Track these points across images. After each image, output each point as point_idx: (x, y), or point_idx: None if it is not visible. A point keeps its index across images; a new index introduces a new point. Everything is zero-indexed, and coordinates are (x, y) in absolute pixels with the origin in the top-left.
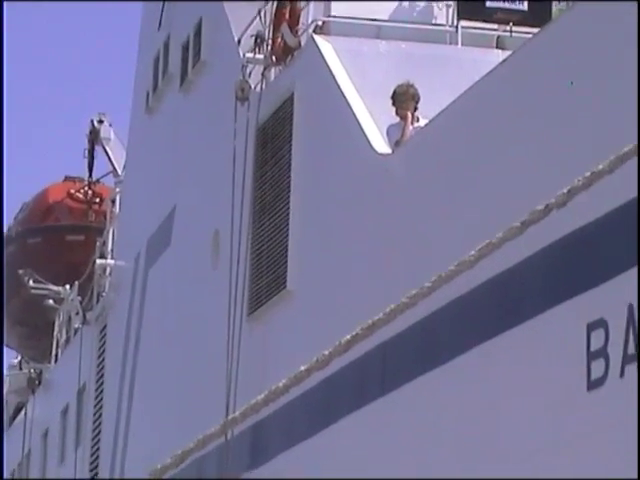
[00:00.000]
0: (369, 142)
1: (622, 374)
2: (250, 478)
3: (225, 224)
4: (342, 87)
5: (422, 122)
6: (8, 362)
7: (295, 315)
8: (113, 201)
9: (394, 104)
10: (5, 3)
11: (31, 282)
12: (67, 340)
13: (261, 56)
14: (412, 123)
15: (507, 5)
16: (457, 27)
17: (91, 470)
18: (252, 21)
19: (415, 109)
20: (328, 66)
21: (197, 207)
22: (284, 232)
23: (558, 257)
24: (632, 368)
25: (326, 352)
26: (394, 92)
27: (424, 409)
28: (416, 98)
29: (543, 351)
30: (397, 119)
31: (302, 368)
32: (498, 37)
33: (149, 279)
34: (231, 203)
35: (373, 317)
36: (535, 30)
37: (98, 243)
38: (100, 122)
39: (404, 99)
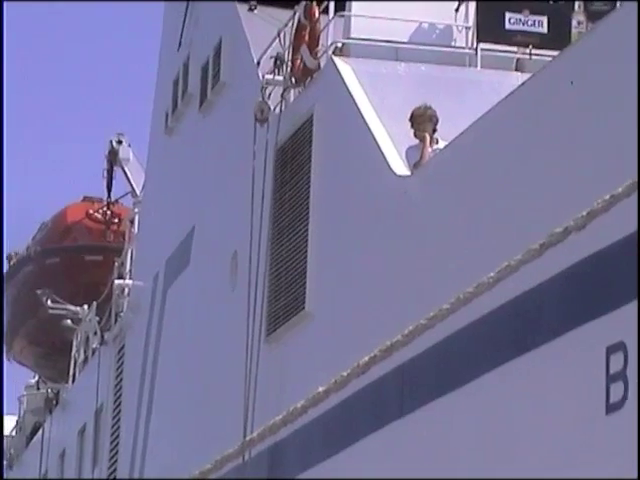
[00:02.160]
0: (388, 164)
1: None
2: None
3: (244, 245)
4: (361, 109)
5: (441, 144)
6: (25, 382)
7: (313, 336)
8: (132, 221)
9: (412, 126)
10: (27, 27)
11: (49, 302)
12: (85, 360)
13: (280, 77)
14: (431, 145)
15: (527, 28)
16: (476, 49)
17: None
18: (272, 43)
19: (434, 131)
20: (347, 88)
21: (216, 228)
22: (303, 253)
23: (577, 279)
24: None
25: (344, 373)
26: (412, 114)
27: (442, 431)
28: (434, 120)
29: (562, 374)
30: (416, 141)
31: (320, 389)
32: (517, 60)
33: (167, 299)
34: (250, 224)
35: (391, 339)
36: (555, 53)
37: (116, 263)
38: (119, 142)
39: (422, 121)
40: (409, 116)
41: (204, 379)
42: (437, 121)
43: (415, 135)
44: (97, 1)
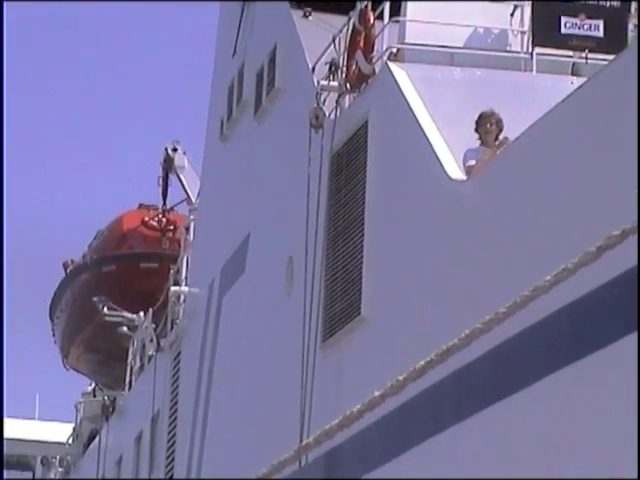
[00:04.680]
0: (443, 168)
1: None
2: None
3: (299, 251)
4: (416, 114)
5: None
6: (82, 389)
7: (369, 341)
8: (187, 229)
9: (477, 129)
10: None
11: (105, 309)
12: (141, 367)
13: (335, 83)
14: (494, 149)
15: (582, 32)
16: (532, 54)
17: None
18: (326, 48)
19: (497, 137)
20: (402, 93)
21: (271, 234)
22: (358, 258)
23: (636, 282)
24: None
25: (400, 378)
26: (480, 116)
27: (500, 435)
28: (500, 125)
29: (622, 376)
30: (473, 145)
31: (376, 394)
32: (573, 64)
33: (223, 306)
34: (305, 230)
35: (448, 343)
36: (611, 57)
37: (172, 270)
38: (174, 150)
39: (489, 124)
40: (476, 118)
41: (260, 385)
42: (502, 127)
43: (480, 138)
44: (155, 1)
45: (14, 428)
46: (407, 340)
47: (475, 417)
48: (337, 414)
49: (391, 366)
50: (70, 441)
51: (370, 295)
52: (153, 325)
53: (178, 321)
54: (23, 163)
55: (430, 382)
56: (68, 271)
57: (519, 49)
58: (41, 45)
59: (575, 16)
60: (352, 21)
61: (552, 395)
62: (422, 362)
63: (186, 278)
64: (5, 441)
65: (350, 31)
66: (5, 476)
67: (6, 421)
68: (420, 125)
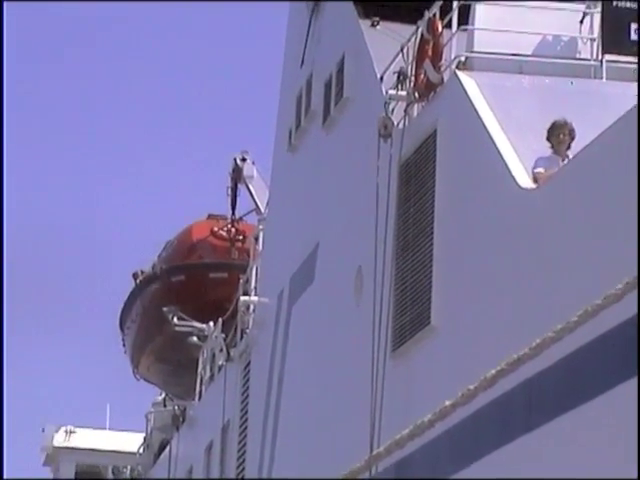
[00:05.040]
0: (513, 177)
1: None
2: None
3: (368, 260)
4: (485, 122)
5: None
6: (152, 399)
7: (439, 351)
8: (256, 238)
9: (549, 138)
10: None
11: (175, 319)
12: (211, 377)
13: (404, 92)
14: (565, 159)
15: None
16: (602, 61)
17: None
18: (395, 58)
19: (569, 146)
20: (471, 102)
21: (340, 243)
22: (428, 268)
23: None
24: None
25: (471, 387)
26: (553, 125)
27: (571, 446)
28: (572, 135)
29: None
30: (543, 153)
31: (447, 403)
32: None
33: (292, 316)
34: (374, 239)
35: (518, 352)
36: None
37: (241, 280)
38: (243, 160)
39: (559, 132)
40: (548, 127)
41: (330, 394)
42: (574, 137)
43: (552, 147)
44: (224, 0)
45: (86, 438)
46: (477, 349)
47: (545, 427)
48: (407, 423)
49: (461, 375)
50: (141, 451)
51: (440, 304)
52: (223, 335)
53: (248, 331)
54: (96, 175)
55: (500, 391)
56: (138, 281)
57: (588, 56)
58: (114, 53)
59: None
60: (420, 30)
61: (623, 405)
62: (493, 371)
63: (255, 288)
64: (77, 451)
65: (418, 40)
66: None
67: (78, 431)
68: (489, 133)
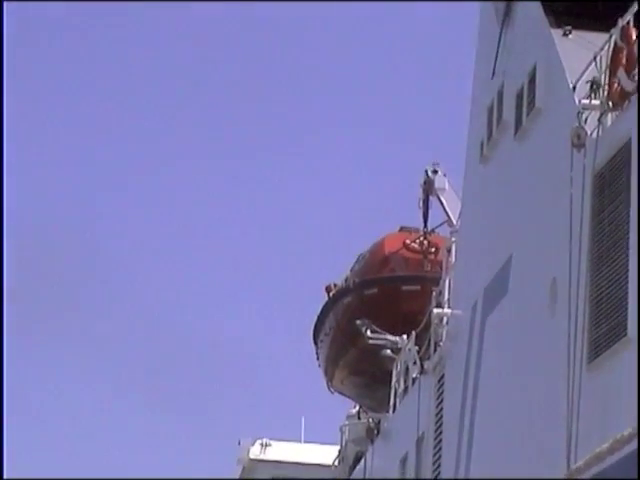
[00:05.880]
0: None
1: None
2: None
3: (563, 272)
4: None
5: None
6: (346, 412)
7: (636, 362)
8: (449, 251)
9: None
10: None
11: (369, 332)
12: (405, 389)
13: (597, 102)
14: None
15: None
16: None
17: None
18: (587, 67)
19: None
20: None
21: (534, 255)
22: (623, 279)
23: None
24: None
25: None
26: None
27: None
28: None
29: None
30: None
31: None
32: None
33: (486, 328)
34: (569, 250)
35: None
36: None
37: (434, 293)
38: (434, 172)
39: None
40: None
41: (525, 407)
42: None
43: None
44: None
45: (281, 451)
46: None
47: None
48: (604, 436)
49: None
50: (336, 463)
51: (636, 315)
52: (416, 347)
53: (441, 343)
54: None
55: None
56: (331, 295)
57: None
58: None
59: None
60: (614, 38)
61: None
62: None
63: (448, 300)
64: (273, 464)
65: (612, 48)
66: None
67: (273, 444)
68: None
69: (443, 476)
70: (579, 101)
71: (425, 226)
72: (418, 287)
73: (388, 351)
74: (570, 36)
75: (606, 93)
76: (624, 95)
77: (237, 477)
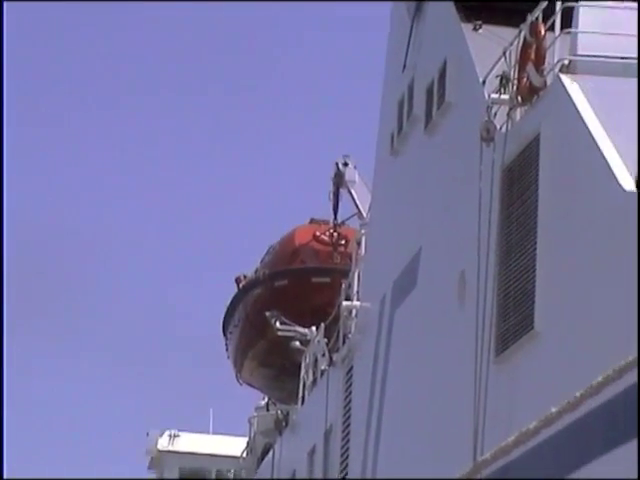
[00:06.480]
0: (617, 182)
1: None
2: None
3: (471, 265)
4: (589, 127)
5: None
6: (255, 403)
7: (543, 356)
8: (358, 243)
9: None
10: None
11: (278, 324)
12: (314, 381)
13: (506, 96)
14: None
15: None
16: None
17: None
18: (497, 61)
19: None
20: (575, 106)
21: (443, 248)
22: (531, 272)
23: None
24: None
25: (577, 394)
26: None
27: None
28: None
29: None
30: None
31: (552, 410)
32: None
33: (395, 320)
34: (477, 244)
35: (625, 357)
36: None
37: (344, 285)
38: (345, 165)
39: None
40: None
41: (432, 399)
42: None
43: None
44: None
45: (189, 442)
46: (582, 354)
47: None
48: (511, 430)
49: (565, 381)
50: (244, 455)
51: (544, 309)
52: (325, 339)
53: (350, 335)
54: (201, 182)
55: (606, 398)
56: (241, 286)
57: None
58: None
59: None
60: (523, 33)
61: None
62: (599, 378)
63: (358, 292)
64: (181, 455)
65: (521, 43)
66: None
67: (182, 435)
68: (593, 137)
69: (350, 468)
70: (489, 96)
71: (335, 218)
72: (328, 279)
73: (297, 343)
74: (480, 31)
75: (515, 88)
76: (533, 90)
77: (145, 468)
